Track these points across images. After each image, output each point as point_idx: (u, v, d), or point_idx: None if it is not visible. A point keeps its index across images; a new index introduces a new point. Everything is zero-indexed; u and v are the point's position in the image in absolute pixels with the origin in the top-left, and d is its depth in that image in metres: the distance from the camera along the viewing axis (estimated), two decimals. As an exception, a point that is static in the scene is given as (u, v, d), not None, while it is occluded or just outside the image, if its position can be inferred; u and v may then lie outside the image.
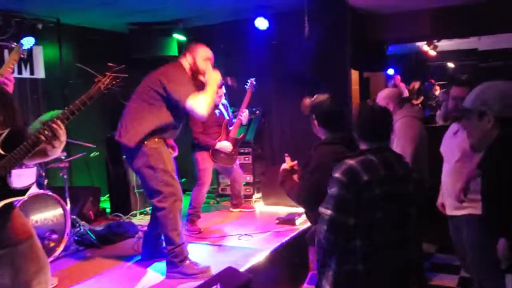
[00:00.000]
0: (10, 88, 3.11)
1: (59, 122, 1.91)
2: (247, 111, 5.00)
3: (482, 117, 1.87)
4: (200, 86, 3.36)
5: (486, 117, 1.86)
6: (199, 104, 3.20)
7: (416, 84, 8.72)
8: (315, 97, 3.59)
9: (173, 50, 6.16)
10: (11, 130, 1.89)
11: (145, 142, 3.28)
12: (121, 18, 5.87)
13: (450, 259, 4.60)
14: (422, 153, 3.62)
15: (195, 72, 3.42)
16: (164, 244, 3.49)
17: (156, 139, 3.32)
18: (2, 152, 1.86)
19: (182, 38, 6.15)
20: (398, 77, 8.41)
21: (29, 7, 5.01)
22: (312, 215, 2.72)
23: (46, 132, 1.89)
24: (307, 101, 4.83)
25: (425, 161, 3.70)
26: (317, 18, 5.35)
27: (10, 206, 1.98)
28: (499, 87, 1.91)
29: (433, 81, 9.54)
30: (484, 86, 1.95)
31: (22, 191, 1.95)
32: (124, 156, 5.16)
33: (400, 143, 3.56)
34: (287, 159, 2.83)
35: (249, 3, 5.21)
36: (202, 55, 3.44)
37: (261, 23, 5.56)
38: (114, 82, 2.06)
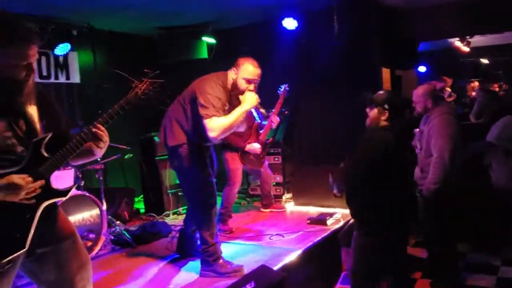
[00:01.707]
0: None
1: (99, 125, 2.00)
2: (277, 118, 4.99)
3: (509, 155, 1.75)
4: (235, 100, 3.37)
5: None
6: (214, 127, 3.17)
7: (449, 82, 8.53)
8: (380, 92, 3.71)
9: (203, 53, 6.23)
10: (54, 133, 1.98)
11: (184, 144, 3.34)
12: (150, 22, 5.99)
13: (485, 259, 4.50)
14: (459, 151, 3.57)
15: (235, 89, 3.37)
16: (198, 242, 3.54)
17: (195, 141, 3.37)
18: (46, 155, 1.95)
19: (211, 40, 6.22)
20: (449, 80, 8.22)
21: (61, 12, 5.16)
22: (353, 201, 2.81)
23: (87, 134, 1.98)
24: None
25: (461, 160, 3.64)
26: (346, 17, 5.33)
27: (54, 206, 2.07)
28: None
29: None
30: (507, 121, 1.83)
31: (64, 192, 2.04)
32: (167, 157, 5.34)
33: (439, 141, 3.52)
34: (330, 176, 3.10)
35: (277, 3, 5.21)
36: (245, 74, 3.32)
37: (289, 24, 5.56)
38: (150, 88, 2.11)
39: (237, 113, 3.24)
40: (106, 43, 6.18)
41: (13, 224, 1.88)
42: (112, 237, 4.33)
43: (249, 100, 3.26)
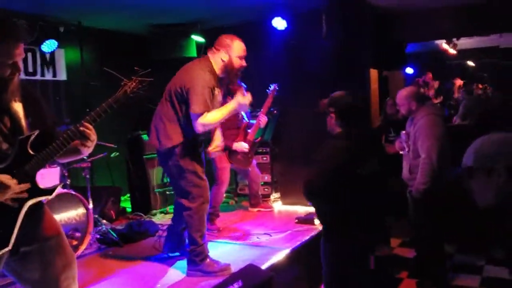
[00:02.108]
0: None
1: (86, 124, 1.97)
2: (266, 118, 4.99)
3: (490, 173, 1.69)
4: (226, 84, 3.33)
5: (495, 172, 1.67)
6: (206, 123, 3.14)
7: (436, 83, 8.63)
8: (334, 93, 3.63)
9: (192, 51, 6.21)
10: (40, 131, 1.95)
11: (180, 143, 3.27)
12: (141, 20, 5.96)
13: (471, 260, 4.55)
14: (446, 152, 3.61)
15: (230, 71, 3.28)
16: (187, 241, 3.53)
17: (190, 138, 3.29)
18: (32, 153, 1.92)
19: (200, 39, 6.20)
20: (430, 74, 8.30)
21: (52, 10, 5.12)
22: (317, 206, 2.75)
23: (74, 133, 1.95)
24: (324, 100, 4.83)
25: (448, 160, 3.68)
26: (335, 17, 5.35)
27: (39, 204, 2.04)
28: (494, 137, 1.75)
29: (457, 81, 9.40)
30: (480, 143, 1.78)
31: (50, 191, 2.01)
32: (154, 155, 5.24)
33: (426, 141, 3.55)
34: None
35: (267, 3, 5.22)
36: (239, 52, 3.26)
37: (279, 23, 5.57)
38: (140, 86, 2.09)
39: (227, 110, 3.21)
40: (94, 41, 6.13)
41: None
42: (98, 236, 4.29)
43: (241, 102, 3.19)
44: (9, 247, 1.87)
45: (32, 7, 4.90)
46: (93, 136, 2.00)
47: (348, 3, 5.33)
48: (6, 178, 1.81)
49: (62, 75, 5.73)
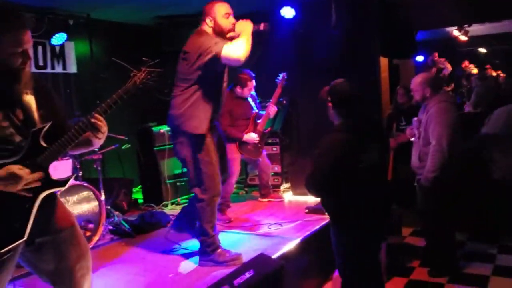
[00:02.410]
0: None
1: (97, 115, 1.98)
2: (275, 108, 4.98)
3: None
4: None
5: None
6: (234, 48, 3.02)
7: (448, 66, 8.52)
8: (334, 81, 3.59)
9: (202, 42, 6.19)
10: (52, 123, 1.97)
11: (193, 132, 3.23)
12: (150, 12, 5.95)
13: (483, 248, 4.53)
14: (457, 140, 3.58)
15: (221, 33, 3.22)
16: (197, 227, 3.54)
17: (204, 129, 3.25)
18: (44, 145, 1.93)
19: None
20: (436, 54, 8.19)
21: (61, 3, 5.13)
22: (321, 199, 2.75)
23: (85, 124, 1.96)
24: (326, 87, 4.79)
25: (459, 148, 3.65)
26: (344, 6, 5.30)
27: (52, 196, 2.07)
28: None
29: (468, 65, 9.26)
30: (504, 110, 1.79)
31: (63, 182, 2.03)
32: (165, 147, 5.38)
33: (437, 128, 3.52)
34: None
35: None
36: (221, 12, 3.23)
37: (287, 12, 5.53)
38: (149, 77, 2.08)
39: (245, 36, 3.08)
40: (103, 33, 6.14)
41: (12, 214, 1.88)
42: (111, 227, 4.34)
43: (245, 26, 3.14)
44: (25, 238, 1.90)
45: (41, 1, 4.92)
46: (104, 128, 2.01)
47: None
48: (17, 168, 1.83)
49: (72, 68, 5.76)
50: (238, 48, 3.03)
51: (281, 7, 5.49)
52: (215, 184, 3.34)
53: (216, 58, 3.04)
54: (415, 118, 3.85)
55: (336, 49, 5.46)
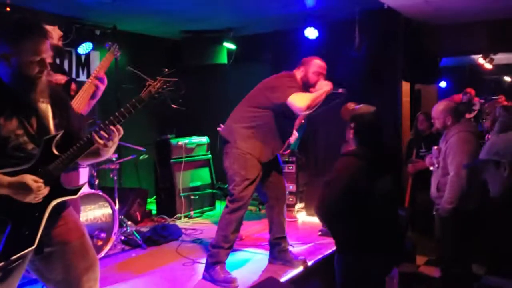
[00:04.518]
0: (100, 90, 3.25)
1: (111, 124, 1.96)
2: (296, 134, 4.97)
3: (498, 167, 1.99)
4: None
5: (501, 166, 1.97)
6: (301, 97, 3.26)
7: (473, 92, 8.36)
8: (360, 106, 3.54)
9: (223, 58, 6.26)
10: (66, 132, 1.97)
11: (238, 145, 3.41)
12: (175, 26, 6.04)
13: (501, 282, 4.38)
14: (476, 170, 3.49)
15: (305, 84, 3.48)
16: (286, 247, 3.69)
17: (249, 145, 3.40)
18: (56, 153, 1.93)
19: (231, 46, 6.24)
20: (473, 91, 8.05)
21: (88, 14, 5.26)
22: (329, 230, 2.70)
23: (99, 133, 1.95)
24: (351, 106, 4.72)
25: (478, 178, 3.56)
26: (367, 29, 5.29)
27: (63, 205, 2.07)
28: (508, 136, 2.10)
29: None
30: (494, 139, 2.17)
31: (74, 191, 2.02)
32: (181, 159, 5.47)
33: (456, 158, 3.45)
34: None
35: (300, 13, 5.22)
36: (314, 68, 3.50)
37: (311, 33, 5.54)
38: (164, 86, 2.07)
39: (317, 93, 3.35)
40: (128, 44, 6.23)
41: (22, 220, 1.89)
42: (123, 238, 4.35)
43: (324, 84, 3.41)
44: (34, 246, 1.90)
45: (69, 11, 5.04)
46: (116, 138, 1.99)
47: (382, 15, 5.27)
48: (30, 179, 1.83)
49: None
50: (303, 100, 3.24)
51: (305, 28, 5.51)
52: (243, 199, 3.38)
53: (282, 102, 3.28)
54: (435, 147, 3.78)
55: (358, 71, 5.43)
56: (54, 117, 1.98)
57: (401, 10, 5.26)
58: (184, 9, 5.22)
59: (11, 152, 1.87)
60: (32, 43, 1.83)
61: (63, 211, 2.08)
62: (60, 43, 4.20)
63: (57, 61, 4.50)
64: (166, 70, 2.12)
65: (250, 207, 5.62)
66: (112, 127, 1.95)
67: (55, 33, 4.37)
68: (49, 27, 4.49)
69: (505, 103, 8.80)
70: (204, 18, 5.60)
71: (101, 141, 1.95)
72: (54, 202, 1.95)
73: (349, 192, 2.47)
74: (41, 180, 1.86)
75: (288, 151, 5.17)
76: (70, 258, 2.05)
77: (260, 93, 3.48)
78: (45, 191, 1.88)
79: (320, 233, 4.53)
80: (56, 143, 1.93)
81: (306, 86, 3.48)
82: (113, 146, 2.01)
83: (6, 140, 1.85)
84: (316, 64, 3.52)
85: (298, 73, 3.54)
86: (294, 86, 3.37)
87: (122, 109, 1.99)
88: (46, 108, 1.96)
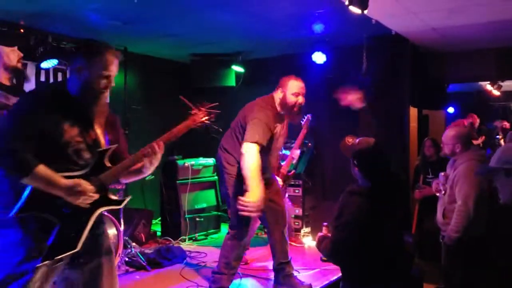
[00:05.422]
0: None
1: (160, 143, 2.15)
2: (298, 152, 4.98)
3: (508, 175, 2.09)
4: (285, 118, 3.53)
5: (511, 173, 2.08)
6: (250, 152, 3.13)
7: (476, 118, 8.37)
8: (358, 140, 3.51)
9: (231, 81, 6.32)
10: (116, 149, 2.12)
11: (230, 171, 3.47)
12: (184, 49, 6.13)
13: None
14: (484, 198, 3.45)
15: (284, 106, 3.43)
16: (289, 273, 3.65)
17: (237, 169, 3.40)
18: (108, 164, 2.07)
19: (240, 69, 6.30)
20: (476, 117, 8.05)
21: (99, 36, 5.30)
22: (343, 271, 2.66)
23: (148, 150, 2.12)
24: (349, 141, 4.69)
25: (486, 206, 3.52)
26: (376, 54, 5.33)
27: (102, 220, 2.19)
28: None
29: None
30: (505, 148, 2.28)
31: (119, 201, 2.19)
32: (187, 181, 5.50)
33: (464, 188, 3.41)
34: (324, 228, 2.93)
35: (308, 38, 5.27)
36: (293, 89, 3.41)
37: (318, 58, 5.58)
38: (207, 117, 2.27)
39: (255, 182, 3.08)
40: (138, 66, 6.32)
41: (70, 224, 1.97)
42: (127, 259, 4.32)
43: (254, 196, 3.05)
44: (77, 249, 1.97)
45: (81, 33, 5.12)
46: (159, 155, 2.16)
47: (389, 41, 5.31)
48: (85, 183, 1.95)
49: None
50: (249, 165, 3.08)
51: (312, 52, 5.56)
52: (244, 225, 3.38)
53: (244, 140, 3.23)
54: (442, 173, 3.75)
55: (366, 96, 5.45)
56: (107, 133, 2.16)
57: (409, 36, 5.31)
58: (193, 33, 5.30)
59: (70, 155, 2.00)
60: (103, 58, 2.01)
61: (101, 224, 2.18)
62: (19, 64, 4.30)
63: (14, 81, 4.54)
64: (206, 103, 2.34)
65: (257, 231, 5.60)
66: (159, 146, 2.15)
67: (14, 54, 4.45)
68: (7, 49, 4.60)
69: (507, 125, 8.79)
70: (213, 41, 5.68)
71: (148, 157, 2.13)
72: (100, 210, 2.07)
73: (356, 233, 2.47)
74: (93, 187, 1.99)
75: (293, 171, 5.16)
76: (99, 273, 2.10)
77: (240, 121, 3.49)
78: (95, 196, 2.00)
79: (324, 258, 4.47)
80: (109, 156, 2.09)
81: (286, 108, 3.42)
82: (155, 163, 2.18)
83: (67, 145, 2.00)
84: (294, 84, 3.42)
85: (277, 95, 3.46)
86: (264, 124, 3.24)
87: (168, 133, 2.21)
88: (101, 123, 2.13)
